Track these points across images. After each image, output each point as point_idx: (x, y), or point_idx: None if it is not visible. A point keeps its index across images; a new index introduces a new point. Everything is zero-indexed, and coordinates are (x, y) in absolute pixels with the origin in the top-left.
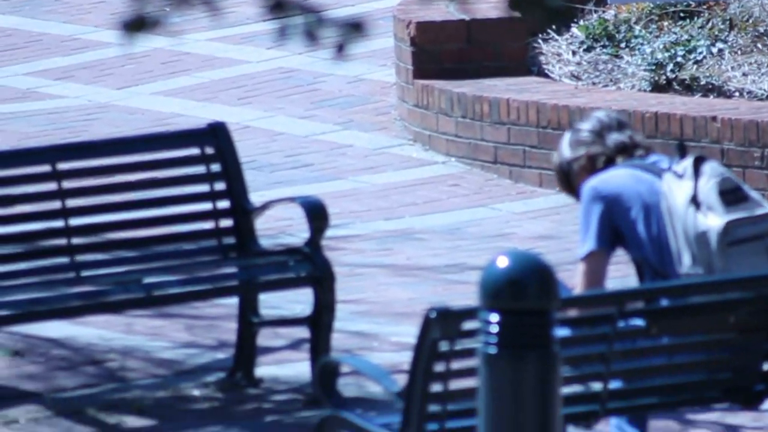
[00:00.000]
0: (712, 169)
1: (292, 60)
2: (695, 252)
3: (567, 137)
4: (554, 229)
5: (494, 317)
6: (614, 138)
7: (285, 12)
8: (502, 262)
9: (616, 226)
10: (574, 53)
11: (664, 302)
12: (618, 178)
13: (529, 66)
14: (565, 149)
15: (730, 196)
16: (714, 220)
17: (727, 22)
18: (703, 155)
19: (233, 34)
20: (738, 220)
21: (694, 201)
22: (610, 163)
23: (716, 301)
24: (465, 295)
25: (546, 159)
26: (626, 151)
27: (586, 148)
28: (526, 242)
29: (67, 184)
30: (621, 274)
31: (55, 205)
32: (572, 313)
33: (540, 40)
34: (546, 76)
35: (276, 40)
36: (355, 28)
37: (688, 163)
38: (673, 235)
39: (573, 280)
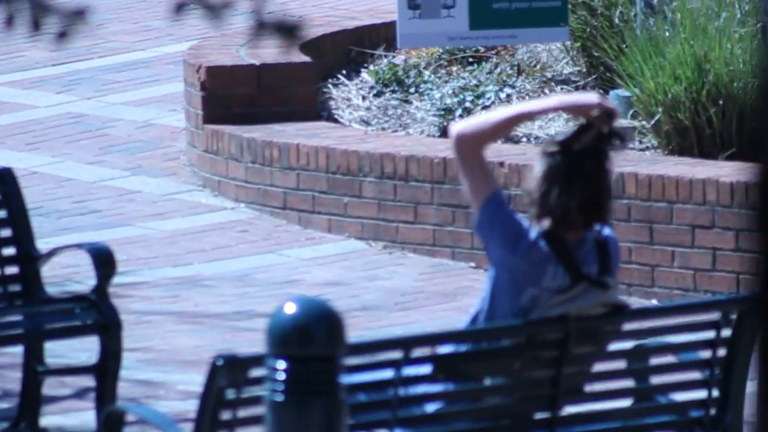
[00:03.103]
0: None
1: (81, 105)
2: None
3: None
4: (343, 276)
5: (281, 364)
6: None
7: (11, 1)
8: (290, 309)
9: (496, 261)
10: (363, 98)
11: (449, 348)
12: (543, 262)
13: (318, 111)
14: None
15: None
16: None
17: (515, 68)
18: (622, 304)
19: (21, 79)
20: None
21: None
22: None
23: (502, 347)
24: (253, 342)
25: (335, 204)
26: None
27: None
28: (314, 289)
29: None
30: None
31: None
32: (359, 359)
33: (330, 85)
34: (336, 121)
35: (1, 29)
36: (77, 15)
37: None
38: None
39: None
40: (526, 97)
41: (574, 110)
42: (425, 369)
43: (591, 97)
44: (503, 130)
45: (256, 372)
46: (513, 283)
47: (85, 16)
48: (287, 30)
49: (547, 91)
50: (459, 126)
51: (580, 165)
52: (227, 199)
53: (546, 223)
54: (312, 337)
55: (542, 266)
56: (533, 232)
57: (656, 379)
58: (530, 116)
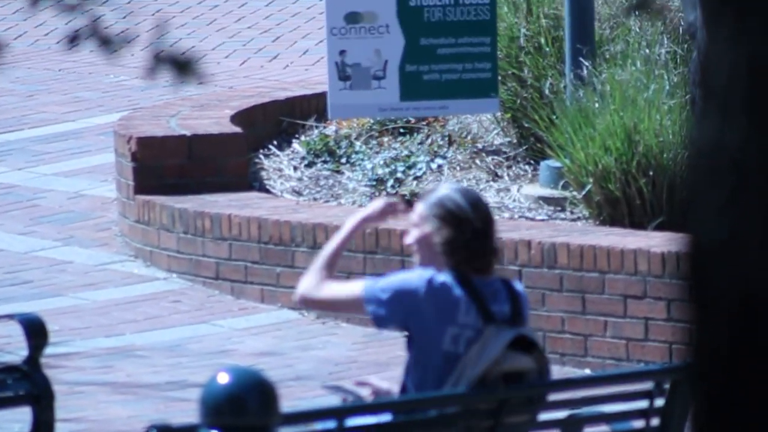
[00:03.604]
0: (522, 361)
1: (12, 176)
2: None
3: (437, 201)
4: (276, 345)
5: None
6: (476, 243)
7: None
8: (223, 379)
9: (408, 327)
10: (295, 168)
11: (387, 417)
12: (447, 300)
13: (250, 181)
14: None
15: (511, 377)
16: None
17: (446, 138)
18: (530, 336)
19: None
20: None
21: (491, 369)
22: (450, 256)
23: (435, 416)
24: (186, 412)
25: (268, 275)
26: (462, 254)
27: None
28: (247, 359)
29: None
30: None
31: None
32: (293, 429)
33: (261, 156)
34: (267, 191)
35: None
36: None
37: (511, 336)
38: (455, 379)
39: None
40: (457, 168)
41: (373, 221)
42: None
43: (377, 204)
44: (330, 270)
45: None
46: (429, 332)
47: (1, 51)
48: (181, 65)
49: (478, 161)
50: (299, 290)
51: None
52: (159, 270)
53: (451, 265)
54: (245, 407)
55: (453, 302)
56: (439, 276)
57: None
58: (343, 247)
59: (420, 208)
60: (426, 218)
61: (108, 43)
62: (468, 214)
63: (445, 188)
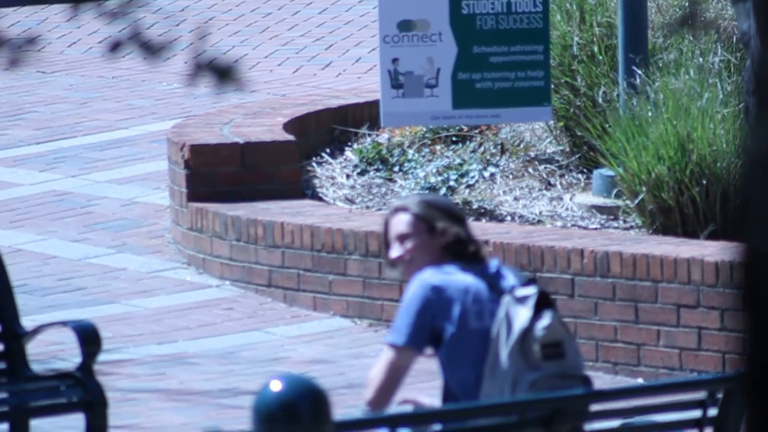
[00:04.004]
0: (550, 317)
1: (65, 183)
2: (503, 389)
3: (420, 203)
4: (328, 353)
5: None
6: (455, 229)
7: None
8: (275, 386)
9: (438, 333)
10: (348, 176)
11: (438, 427)
12: (458, 288)
13: (303, 189)
14: (420, 212)
15: (550, 350)
16: (526, 374)
17: (499, 147)
18: (547, 292)
19: (5, 157)
20: (544, 378)
21: (524, 337)
22: (445, 253)
23: (488, 425)
24: (238, 419)
25: (320, 282)
26: (462, 244)
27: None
28: (299, 366)
29: None
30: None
31: None
32: None
33: (314, 164)
34: (320, 199)
35: None
36: (29, 44)
37: (532, 292)
38: (492, 357)
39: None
40: (510, 176)
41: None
42: None
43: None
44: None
45: None
46: (454, 321)
47: (36, 45)
48: (222, 71)
49: (530, 170)
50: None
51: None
52: (212, 277)
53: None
54: (298, 415)
55: (465, 287)
56: (437, 272)
57: None
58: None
59: (405, 218)
60: (419, 223)
61: (150, 50)
62: (454, 209)
63: (415, 196)
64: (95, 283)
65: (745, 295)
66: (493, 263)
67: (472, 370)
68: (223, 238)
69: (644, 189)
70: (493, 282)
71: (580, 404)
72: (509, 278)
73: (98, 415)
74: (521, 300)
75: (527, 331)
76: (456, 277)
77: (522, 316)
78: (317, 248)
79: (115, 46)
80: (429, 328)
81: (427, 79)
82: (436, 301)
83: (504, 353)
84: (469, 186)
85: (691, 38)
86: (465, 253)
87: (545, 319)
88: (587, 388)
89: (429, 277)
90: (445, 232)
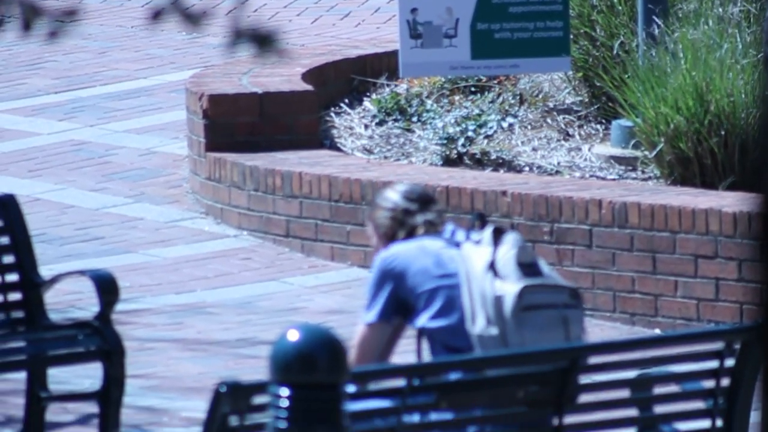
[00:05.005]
0: (512, 239)
1: (84, 132)
2: (490, 314)
3: (386, 198)
4: (346, 303)
5: (284, 391)
6: (423, 216)
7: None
8: (293, 336)
9: (404, 300)
10: (366, 127)
11: (454, 376)
12: (409, 251)
13: (321, 139)
14: (380, 210)
15: (527, 268)
16: (510, 287)
17: (518, 97)
18: (501, 226)
19: (23, 106)
20: (533, 286)
21: (492, 268)
22: (410, 235)
23: (505, 376)
24: (256, 369)
25: (338, 233)
26: (432, 227)
27: (393, 219)
28: (317, 316)
29: None
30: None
31: None
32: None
33: (332, 114)
34: (338, 149)
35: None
36: (68, 15)
37: (487, 232)
38: (469, 298)
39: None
40: (528, 127)
41: None
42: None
43: None
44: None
45: (260, 399)
46: (416, 274)
47: (76, 16)
48: (262, 39)
49: (549, 120)
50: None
51: None
52: (230, 227)
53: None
54: (315, 365)
55: (417, 246)
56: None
57: (660, 409)
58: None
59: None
60: (369, 225)
61: (191, 19)
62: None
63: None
64: (113, 233)
65: (762, 246)
66: (449, 227)
67: (456, 320)
68: (241, 188)
69: (662, 140)
70: (450, 239)
71: (596, 354)
72: (465, 234)
73: (116, 364)
74: (478, 242)
75: (494, 263)
76: (408, 245)
77: (484, 252)
78: (335, 198)
79: (156, 14)
80: (393, 299)
81: (445, 29)
82: (391, 269)
83: (480, 285)
84: (487, 136)
85: None
86: (415, 228)
87: (508, 242)
88: (577, 300)
89: (382, 253)
90: (384, 225)
